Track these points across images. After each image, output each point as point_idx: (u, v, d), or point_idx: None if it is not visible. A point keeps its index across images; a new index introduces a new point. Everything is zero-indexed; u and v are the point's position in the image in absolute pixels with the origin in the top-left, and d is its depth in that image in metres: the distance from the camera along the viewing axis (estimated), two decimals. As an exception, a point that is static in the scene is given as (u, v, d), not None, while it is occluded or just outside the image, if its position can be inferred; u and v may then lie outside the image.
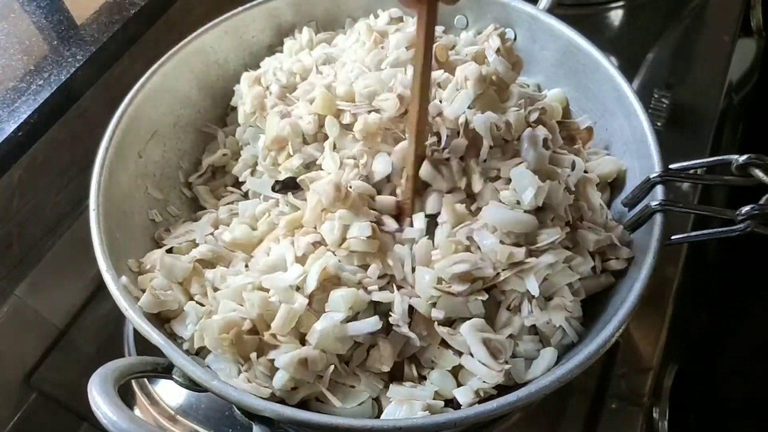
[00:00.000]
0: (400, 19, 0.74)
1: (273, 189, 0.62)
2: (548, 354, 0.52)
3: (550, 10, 0.70)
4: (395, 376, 0.54)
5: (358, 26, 0.72)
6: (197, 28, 0.71)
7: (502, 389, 0.50)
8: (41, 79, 0.70)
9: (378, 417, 0.51)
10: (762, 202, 0.49)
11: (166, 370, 0.50)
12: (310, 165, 0.63)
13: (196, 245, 0.61)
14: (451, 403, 0.52)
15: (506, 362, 0.51)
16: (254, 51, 0.76)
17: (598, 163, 0.63)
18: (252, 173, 0.68)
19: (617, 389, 0.66)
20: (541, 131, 0.59)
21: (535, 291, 0.51)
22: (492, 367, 0.50)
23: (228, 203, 0.68)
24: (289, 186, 0.61)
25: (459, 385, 0.52)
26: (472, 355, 0.51)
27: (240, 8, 0.73)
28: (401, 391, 0.50)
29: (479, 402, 0.49)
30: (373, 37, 0.68)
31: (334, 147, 0.62)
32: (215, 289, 0.56)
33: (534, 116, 0.62)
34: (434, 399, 0.50)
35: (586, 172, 0.61)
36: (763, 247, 0.57)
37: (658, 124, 0.85)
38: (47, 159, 0.70)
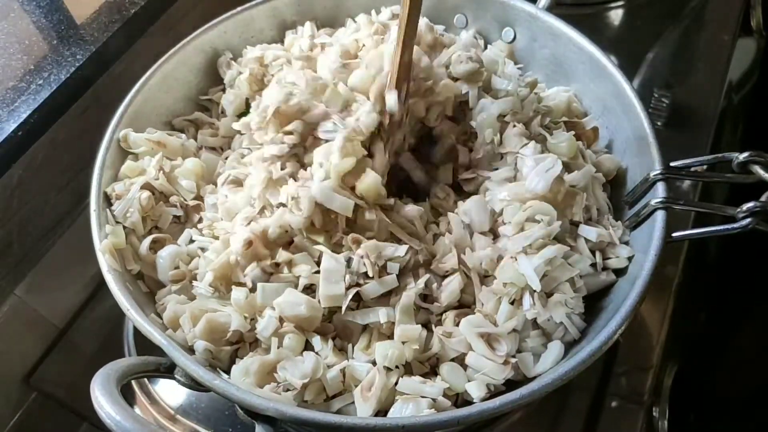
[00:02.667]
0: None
1: None
2: (556, 347, 0.52)
3: (550, 9, 0.70)
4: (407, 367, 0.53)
5: (359, 19, 0.72)
6: (197, 27, 0.71)
7: (512, 384, 0.50)
8: (41, 78, 0.70)
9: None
10: (763, 199, 0.49)
11: (168, 370, 0.50)
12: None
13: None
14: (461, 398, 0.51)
15: (512, 356, 0.50)
16: (254, 50, 0.76)
17: (598, 162, 0.63)
18: None
19: (618, 387, 0.66)
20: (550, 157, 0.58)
21: (535, 284, 0.51)
22: (493, 359, 0.50)
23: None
24: None
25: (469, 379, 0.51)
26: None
27: (240, 8, 0.73)
28: (411, 386, 0.50)
29: (490, 397, 0.49)
30: (374, 27, 0.68)
31: None
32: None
33: (546, 120, 0.63)
34: (444, 395, 0.50)
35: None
36: (764, 245, 0.57)
37: (659, 123, 0.85)
38: (47, 159, 0.69)
